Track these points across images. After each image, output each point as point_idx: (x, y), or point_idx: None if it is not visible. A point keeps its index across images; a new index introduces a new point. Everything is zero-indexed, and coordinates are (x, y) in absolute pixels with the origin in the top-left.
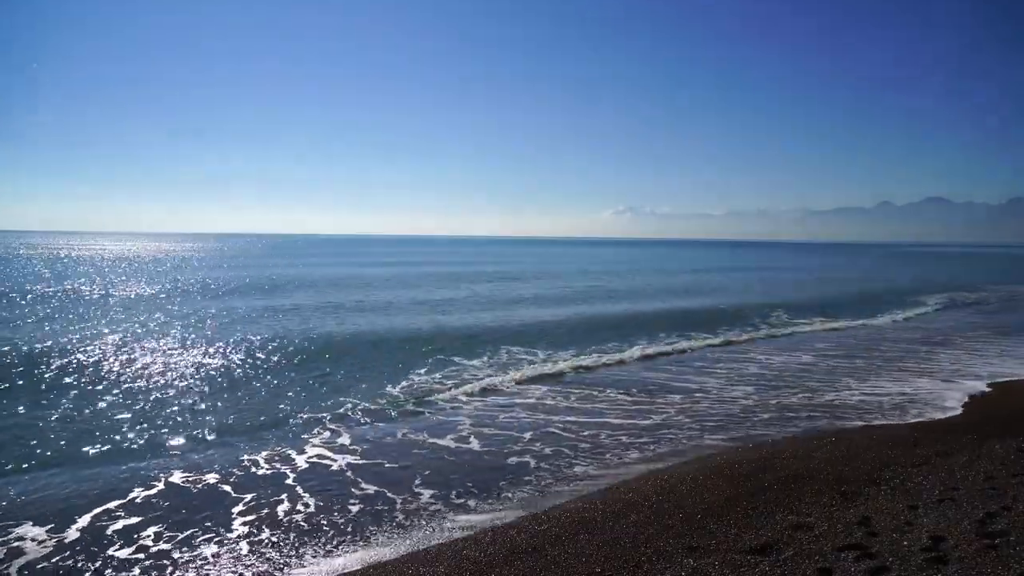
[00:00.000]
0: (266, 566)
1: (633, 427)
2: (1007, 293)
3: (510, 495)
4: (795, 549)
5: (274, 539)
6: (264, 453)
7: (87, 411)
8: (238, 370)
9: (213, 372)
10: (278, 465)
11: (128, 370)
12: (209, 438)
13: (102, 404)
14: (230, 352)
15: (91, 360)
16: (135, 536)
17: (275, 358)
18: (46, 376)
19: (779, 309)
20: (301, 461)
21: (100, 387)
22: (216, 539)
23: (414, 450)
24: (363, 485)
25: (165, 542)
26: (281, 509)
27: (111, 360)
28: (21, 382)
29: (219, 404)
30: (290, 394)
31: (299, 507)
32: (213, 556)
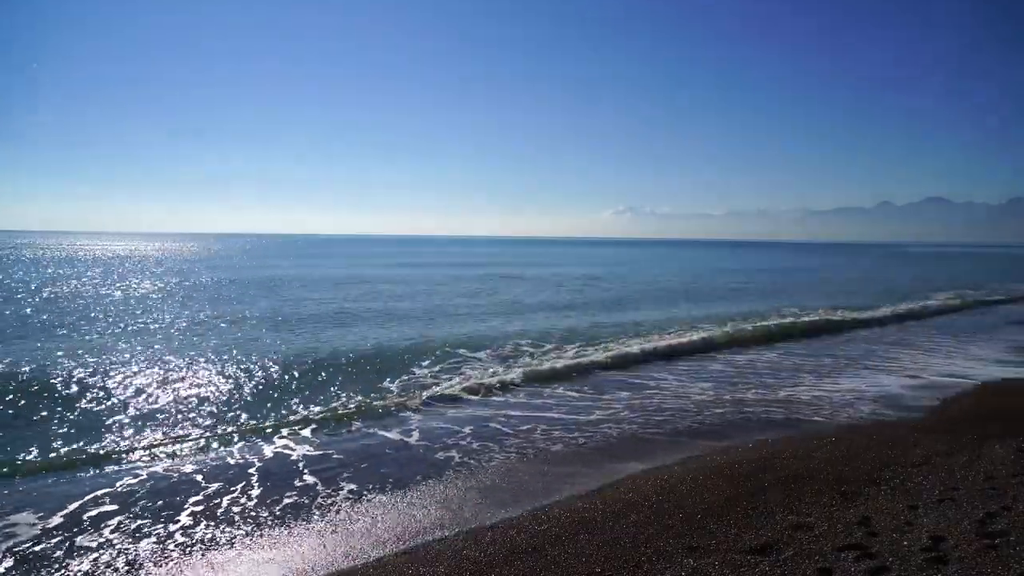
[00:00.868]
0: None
1: (574, 422)
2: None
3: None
4: (795, 549)
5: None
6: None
7: (79, 406)
8: (234, 370)
9: (202, 372)
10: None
11: (124, 368)
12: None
13: (96, 399)
14: (228, 355)
15: (88, 361)
16: (103, 523)
17: (273, 361)
18: (39, 378)
19: (783, 310)
20: (268, 451)
21: (97, 384)
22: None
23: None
24: (304, 478)
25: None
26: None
27: (109, 359)
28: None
29: (203, 402)
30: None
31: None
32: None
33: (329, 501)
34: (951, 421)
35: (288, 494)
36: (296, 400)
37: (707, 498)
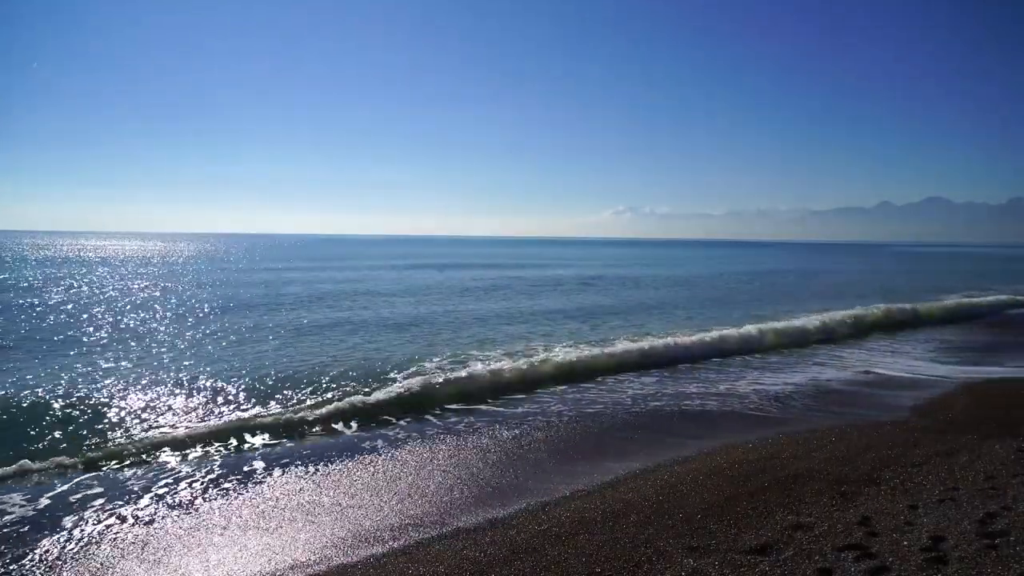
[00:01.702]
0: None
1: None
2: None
3: None
4: (795, 549)
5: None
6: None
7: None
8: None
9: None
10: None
11: (121, 363)
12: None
13: (95, 392)
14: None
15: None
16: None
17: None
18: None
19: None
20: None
21: (97, 375)
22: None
23: None
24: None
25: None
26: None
27: (109, 351)
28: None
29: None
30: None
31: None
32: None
33: None
34: (950, 421)
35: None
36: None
37: (707, 498)
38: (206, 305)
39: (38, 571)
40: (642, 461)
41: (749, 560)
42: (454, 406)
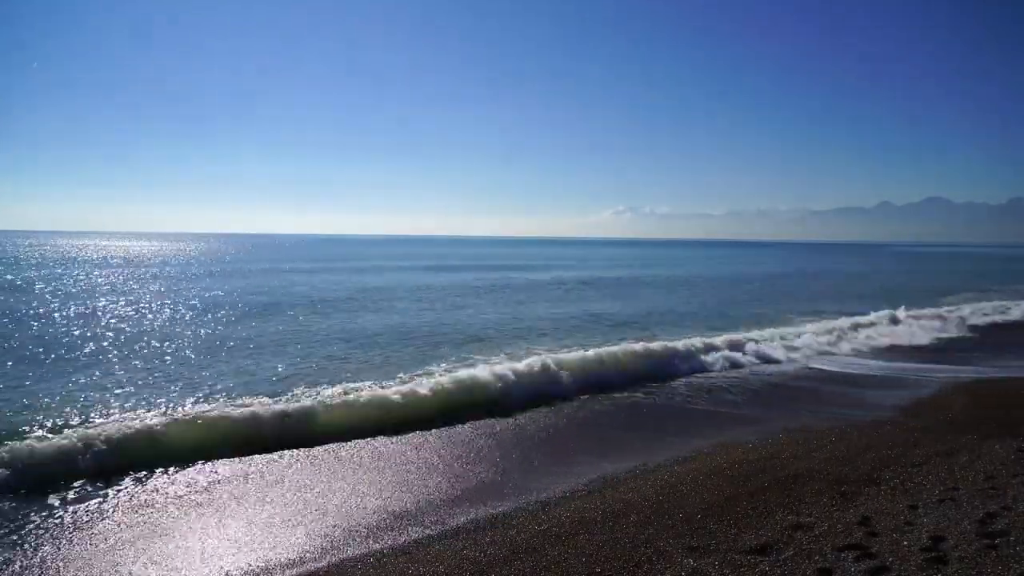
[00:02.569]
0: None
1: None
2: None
3: None
4: (795, 549)
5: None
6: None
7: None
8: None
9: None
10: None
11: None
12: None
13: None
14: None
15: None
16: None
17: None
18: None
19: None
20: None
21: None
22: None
23: None
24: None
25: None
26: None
27: (109, 343)
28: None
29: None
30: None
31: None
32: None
33: None
34: (950, 421)
35: None
36: None
37: (707, 498)
38: (224, 307)
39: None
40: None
41: (749, 560)
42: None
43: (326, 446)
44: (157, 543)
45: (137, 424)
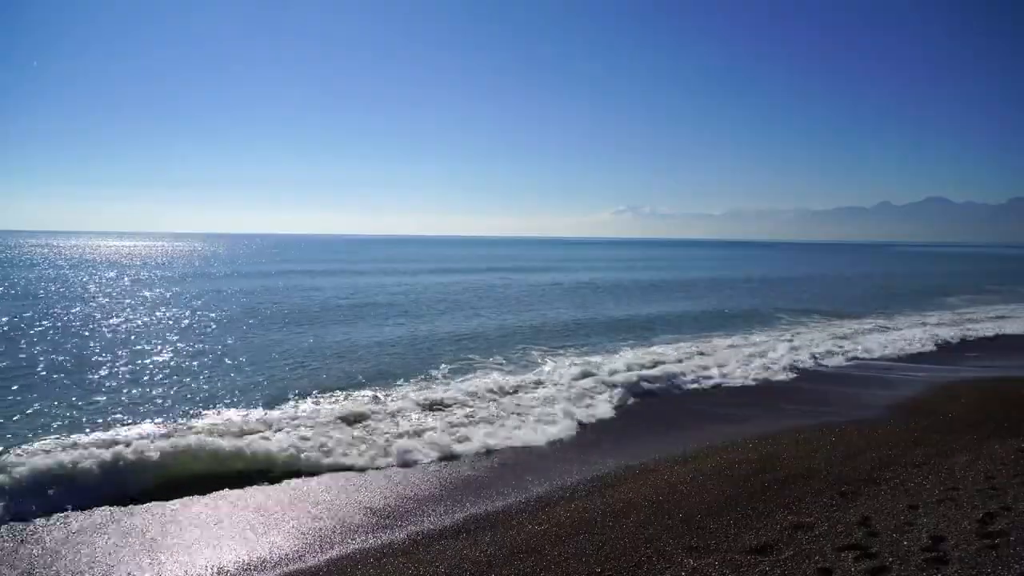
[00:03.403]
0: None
1: None
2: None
3: None
4: (795, 549)
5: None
6: None
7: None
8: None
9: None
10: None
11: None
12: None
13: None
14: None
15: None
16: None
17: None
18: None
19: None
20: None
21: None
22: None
23: None
24: None
25: None
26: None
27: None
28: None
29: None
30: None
31: None
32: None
33: None
34: (950, 421)
35: None
36: None
37: (707, 498)
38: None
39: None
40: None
41: (749, 560)
42: None
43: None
44: None
45: None
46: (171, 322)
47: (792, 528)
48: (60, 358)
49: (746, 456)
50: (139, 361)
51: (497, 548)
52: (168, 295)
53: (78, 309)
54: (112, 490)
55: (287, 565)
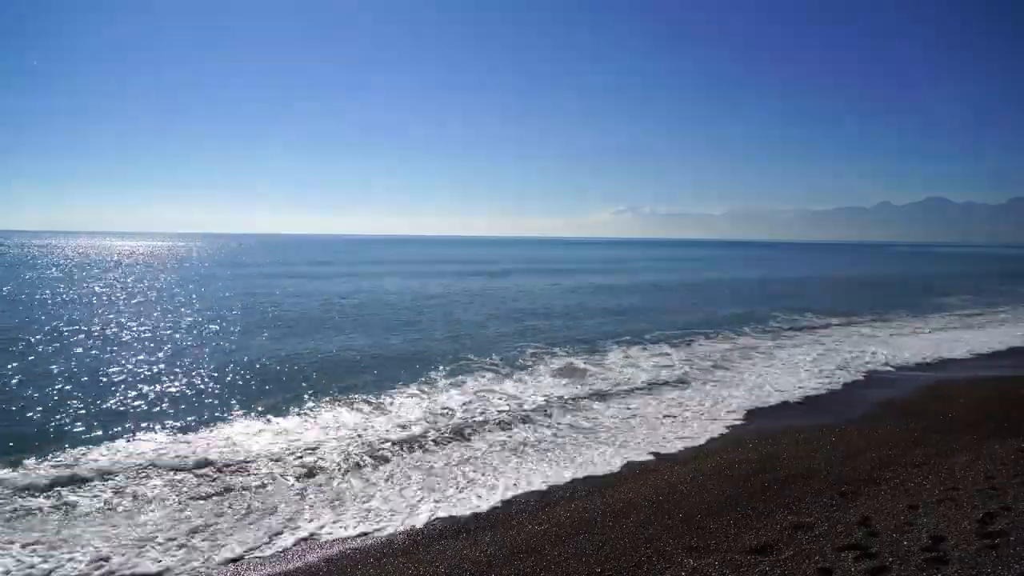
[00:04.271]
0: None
1: None
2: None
3: None
4: (795, 549)
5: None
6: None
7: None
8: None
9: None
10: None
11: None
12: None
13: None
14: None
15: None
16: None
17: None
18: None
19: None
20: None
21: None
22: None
23: None
24: None
25: None
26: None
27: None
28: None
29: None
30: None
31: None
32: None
33: None
34: (950, 421)
35: None
36: None
37: (707, 498)
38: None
39: None
40: None
41: (749, 560)
42: None
43: None
44: None
45: None
46: (155, 326)
47: (792, 528)
48: (72, 363)
49: (746, 456)
50: (138, 368)
51: (497, 548)
52: (166, 295)
53: (79, 314)
54: None
55: (287, 564)
